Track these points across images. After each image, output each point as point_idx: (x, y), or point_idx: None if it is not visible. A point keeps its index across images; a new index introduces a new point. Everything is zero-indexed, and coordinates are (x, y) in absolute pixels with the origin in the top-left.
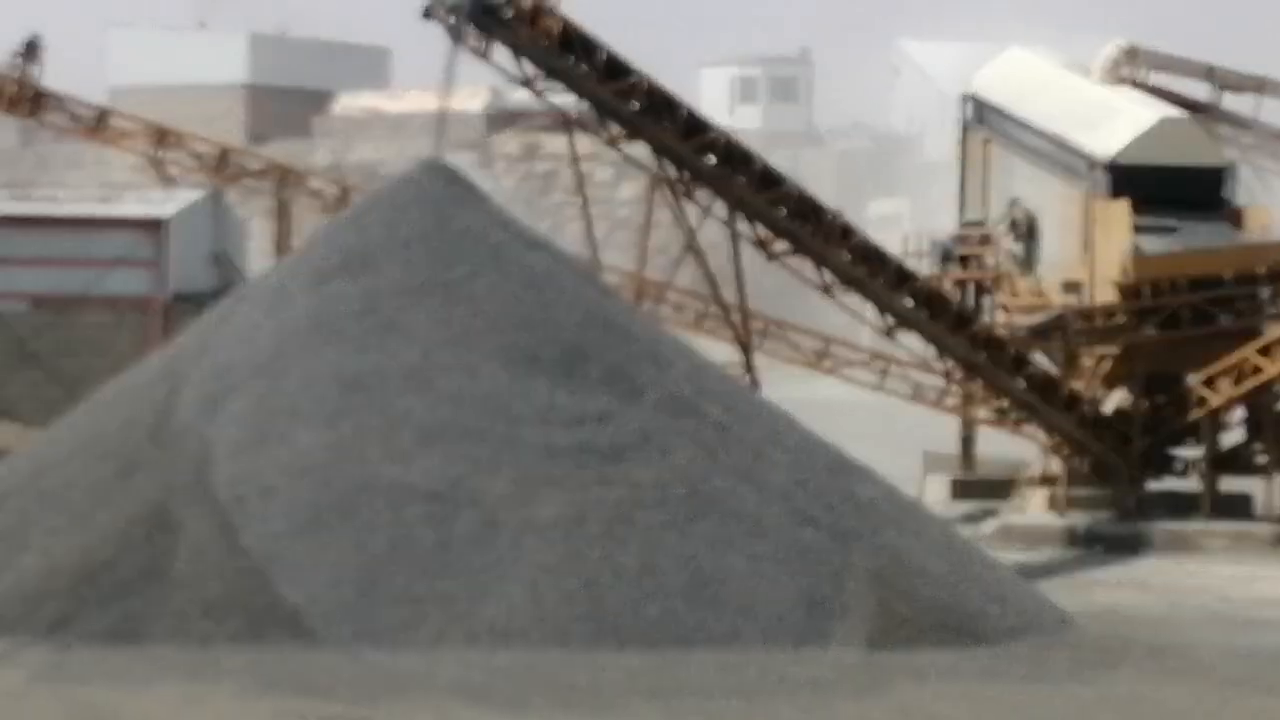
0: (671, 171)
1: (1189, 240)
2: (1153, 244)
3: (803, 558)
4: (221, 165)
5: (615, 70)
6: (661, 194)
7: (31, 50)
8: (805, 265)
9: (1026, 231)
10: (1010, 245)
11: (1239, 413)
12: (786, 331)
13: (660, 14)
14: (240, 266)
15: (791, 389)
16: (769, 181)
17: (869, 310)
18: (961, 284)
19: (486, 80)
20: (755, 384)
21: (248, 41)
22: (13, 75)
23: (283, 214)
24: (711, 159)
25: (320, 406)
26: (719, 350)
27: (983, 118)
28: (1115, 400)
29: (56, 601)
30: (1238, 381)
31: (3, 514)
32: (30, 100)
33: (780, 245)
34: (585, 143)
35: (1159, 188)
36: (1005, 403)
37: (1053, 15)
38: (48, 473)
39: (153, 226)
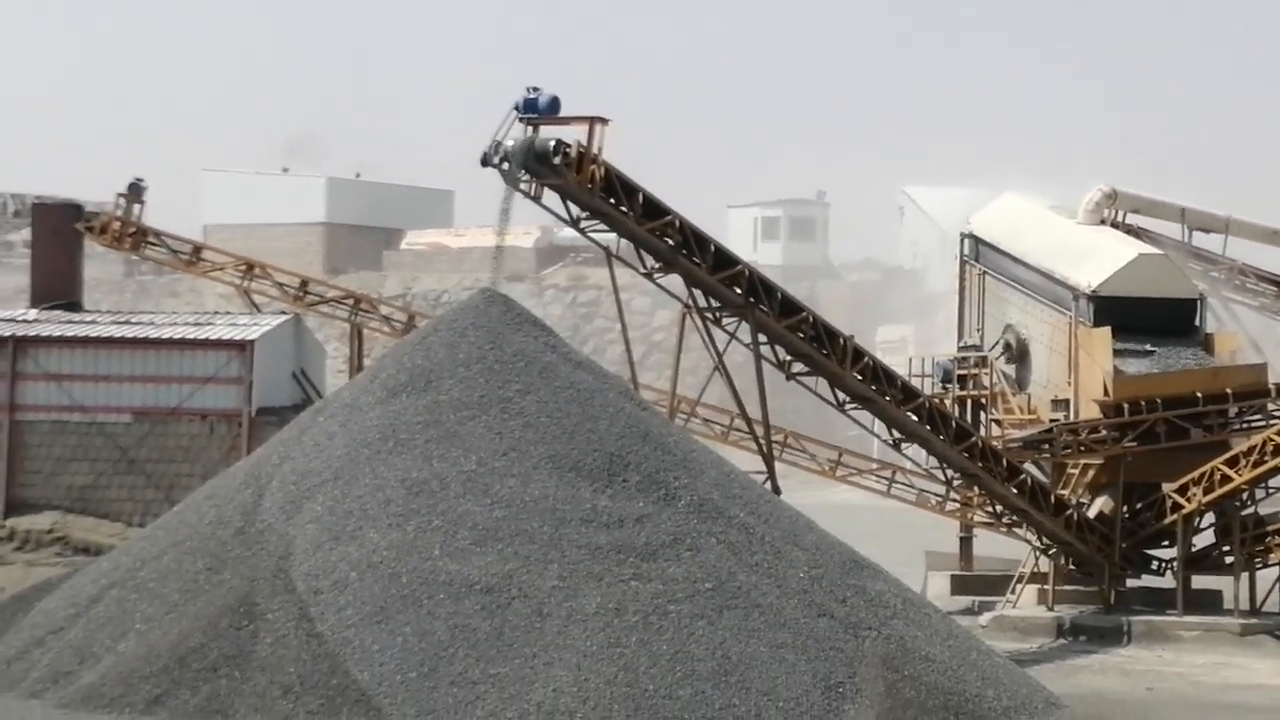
0: (702, 301)
1: (1164, 363)
2: (1132, 366)
3: (819, 646)
4: (302, 294)
5: (652, 211)
6: (693, 321)
7: (134, 192)
8: (821, 384)
9: (1018, 355)
10: (1004, 367)
11: (1209, 517)
12: (804, 444)
13: (692, 160)
14: (318, 383)
15: (809, 495)
16: (789, 310)
17: (878, 424)
18: (961, 401)
19: (537, 219)
20: (776, 490)
21: (326, 185)
22: (118, 214)
23: (356, 337)
24: (738, 290)
25: (388, 509)
26: (744, 460)
27: (979, 254)
28: (1098, 505)
29: (152, 682)
30: (1208, 490)
31: (105, 603)
32: (133, 236)
33: (799, 366)
34: (625, 275)
35: (1137, 316)
36: (999, 508)
37: (1041, 162)
38: (145, 567)
39: (241, 348)
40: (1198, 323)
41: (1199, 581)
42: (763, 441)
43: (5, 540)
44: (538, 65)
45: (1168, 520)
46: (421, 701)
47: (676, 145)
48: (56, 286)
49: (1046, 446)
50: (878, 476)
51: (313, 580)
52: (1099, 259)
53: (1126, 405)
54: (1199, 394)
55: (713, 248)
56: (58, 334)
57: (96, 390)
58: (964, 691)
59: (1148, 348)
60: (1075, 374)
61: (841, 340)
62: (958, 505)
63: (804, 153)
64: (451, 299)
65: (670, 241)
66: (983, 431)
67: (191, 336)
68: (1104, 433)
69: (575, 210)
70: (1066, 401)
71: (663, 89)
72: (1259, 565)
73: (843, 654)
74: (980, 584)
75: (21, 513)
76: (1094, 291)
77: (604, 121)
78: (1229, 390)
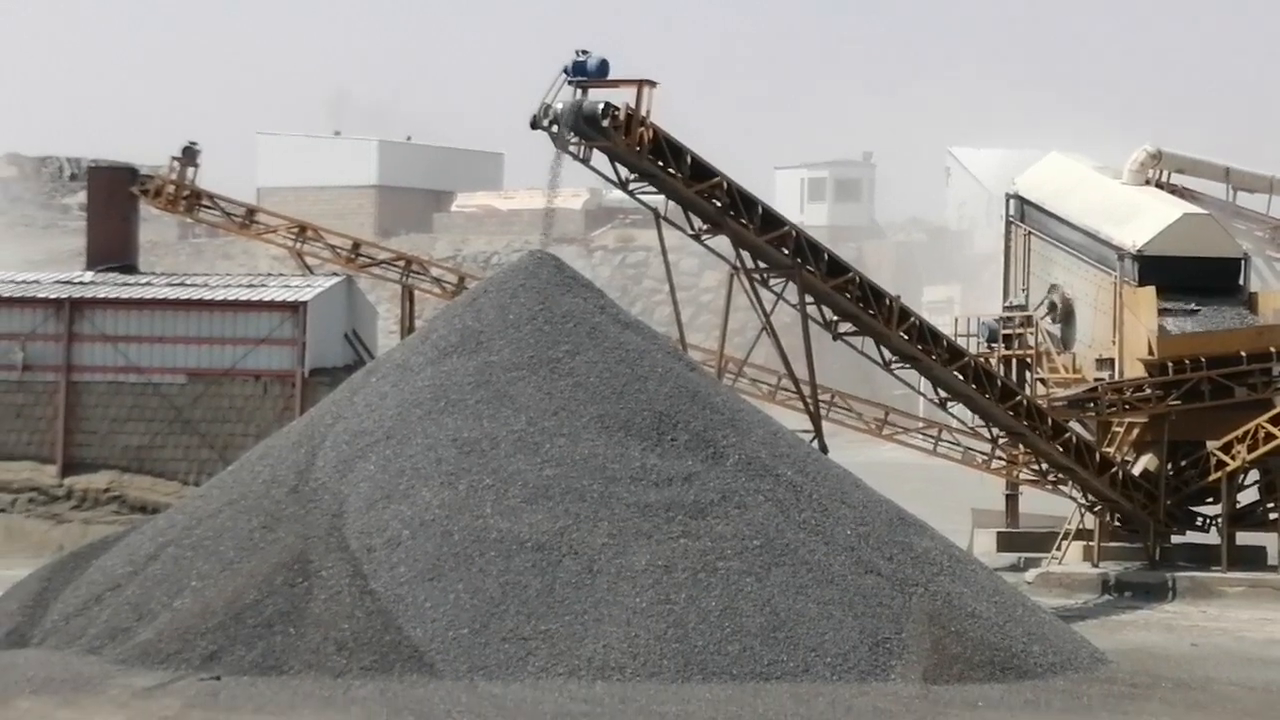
0: (749, 262)
1: (1209, 322)
2: (1176, 325)
3: (866, 602)
4: (354, 256)
5: (700, 173)
6: (740, 282)
7: (188, 155)
8: (868, 344)
9: (1064, 314)
10: (1049, 326)
11: (1253, 474)
12: (851, 403)
13: (739, 122)
14: (370, 344)
15: (855, 453)
16: (835, 270)
17: (924, 384)
18: (1006, 360)
19: (586, 181)
20: (823, 448)
21: (377, 148)
22: (172, 177)
23: (407, 298)
24: (785, 251)
25: (440, 467)
26: (791, 419)
27: (1025, 214)
28: (1143, 463)
29: (208, 638)
30: (1252, 447)
31: (161, 561)
32: (187, 199)
33: (845, 326)
34: (673, 236)
35: (1182, 276)
36: (1045, 465)
37: (1085, 123)
38: (201, 525)
39: (294, 309)
40: (1242, 282)
41: (1243, 538)
42: (810, 401)
43: (63, 499)
44: (586, 28)
45: (1212, 477)
46: (473, 657)
47: (724, 108)
48: (112, 249)
49: (1091, 405)
50: (924, 435)
51: (366, 538)
52: (1144, 219)
53: (1171, 364)
54: (1243, 353)
55: (760, 209)
56: (113, 296)
57: (152, 351)
58: (1010, 647)
59: (1192, 307)
60: (1120, 333)
61: (888, 300)
62: (1003, 463)
63: (850, 115)
64: (501, 261)
65: (718, 203)
66: (1028, 390)
67: (245, 298)
68: (1148, 391)
69: (624, 172)
70: (1111, 360)
71: (711, 53)
72: None
73: (890, 610)
74: (1026, 541)
75: (79, 472)
76: (1139, 251)
77: (652, 84)
78: (1273, 349)
